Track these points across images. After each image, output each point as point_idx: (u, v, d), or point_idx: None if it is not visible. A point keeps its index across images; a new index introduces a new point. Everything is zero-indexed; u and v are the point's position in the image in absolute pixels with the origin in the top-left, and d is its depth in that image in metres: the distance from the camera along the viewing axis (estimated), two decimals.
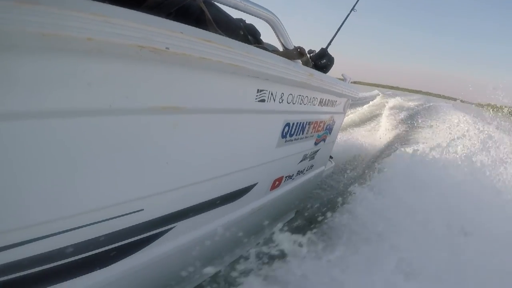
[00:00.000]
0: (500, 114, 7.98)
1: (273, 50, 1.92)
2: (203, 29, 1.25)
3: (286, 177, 2.37)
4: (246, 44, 1.45)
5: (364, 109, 13.42)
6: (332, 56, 2.81)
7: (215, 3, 1.60)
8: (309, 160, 2.65)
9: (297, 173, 2.56)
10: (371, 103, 16.38)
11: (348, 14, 3.59)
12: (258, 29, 2.10)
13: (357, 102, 15.72)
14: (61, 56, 0.84)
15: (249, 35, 2.02)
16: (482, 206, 3.22)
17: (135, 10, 0.94)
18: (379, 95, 22.45)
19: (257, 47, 1.61)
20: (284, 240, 2.29)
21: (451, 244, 2.52)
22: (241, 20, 2.04)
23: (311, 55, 2.73)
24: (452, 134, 6.58)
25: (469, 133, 6.26)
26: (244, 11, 1.59)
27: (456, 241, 2.59)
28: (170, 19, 1.06)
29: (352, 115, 11.04)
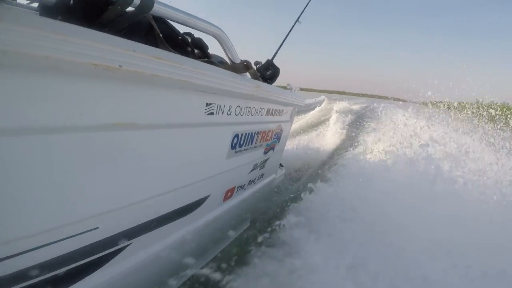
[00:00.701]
0: (439, 109, 8.54)
1: (220, 62, 1.97)
2: (153, 45, 1.27)
3: (238, 187, 2.41)
4: (195, 60, 1.48)
5: (311, 115, 13.74)
6: (278, 67, 2.91)
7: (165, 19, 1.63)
8: (260, 169, 2.70)
9: (249, 183, 2.61)
10: (318, 108, 16.79)
11: (293, 26, 3.71)
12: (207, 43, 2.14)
13: (304, 109, 16.09)
14: (19, 74, 0.84)
15: (197, 49, 2.05)
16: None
17: (88, 27, 0.95)
18: (325, 100, 23.01)
19: (205, 61, 1.65)
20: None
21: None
22: (189, 34, 2.07)
23: (257, 66, 2.80)
24: (394, 133, 6.97)
25: (409, 131, 6.68)
26: (193, 28, 1.62)
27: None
28: (121, 35, 1.08)
29: (301, 121, 11.28)
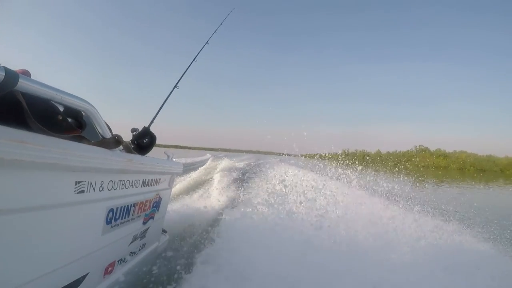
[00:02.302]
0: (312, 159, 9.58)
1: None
2: (21, 119, 1.23)
3: (118, 261, 2.33)
4: (60, 139, 1.45)
5: (197, 174, 13.70)
6: (154, 134, 2.91)
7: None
8: (140, 240, 2.65)
9: (130, 255, 2.53)
10: (203, 167, 16.85)
11: (171, 91, 3.78)
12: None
13: (190, 168, 16.07)
14: None
15: (71, 118, 1.99)
16: None
17: None
18: (210, 158, 23.30)
19: (74, 137, 1.62)
20: None
21: None
22: None
23: (134, 133, 2.78)
24: (278, 186, 7.41)
25: (292, 183, 7.19)
26: (60, 103, 1.60)
27: None
28: None
29: (186, 180, 11.20)
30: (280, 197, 6.23)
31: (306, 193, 6.16)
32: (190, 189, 9.75)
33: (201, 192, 9.38)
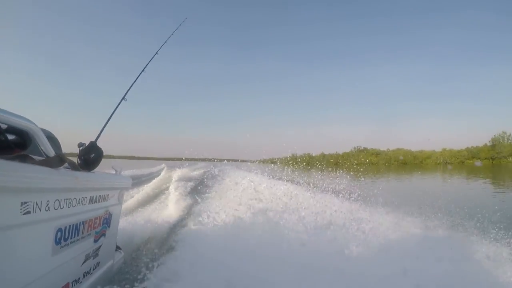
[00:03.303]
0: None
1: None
2: None
3: (72, 282, 2.26)
4: (3, 160, 1.42)
5: (152, 184, 13.48)
6: (101, 149, 2.84)
7: None
8: (93, 259, 2.59)
9: (84, 275, 2.46)
10: (158, 178, 16.61)
11: (118, 104, 3.70)
12: None
13: (144, 179, 15.79)
14: None
15: (17, 135, 1.93)
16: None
17: None
18: (165, 168, 23.00)
19: (17, 157, 1.58)
20: None
21: None
22: None
23: (81, 148, 2.72)
24: (235, 194, 7.52)
25: (249, 189, 7.33)
26: (2, 122, 1.56)
27: None
28: None
29: (140, 193, 10.99)
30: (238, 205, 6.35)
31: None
32: (145, 202, 9.58)
33: (157, 204, 9.25)
